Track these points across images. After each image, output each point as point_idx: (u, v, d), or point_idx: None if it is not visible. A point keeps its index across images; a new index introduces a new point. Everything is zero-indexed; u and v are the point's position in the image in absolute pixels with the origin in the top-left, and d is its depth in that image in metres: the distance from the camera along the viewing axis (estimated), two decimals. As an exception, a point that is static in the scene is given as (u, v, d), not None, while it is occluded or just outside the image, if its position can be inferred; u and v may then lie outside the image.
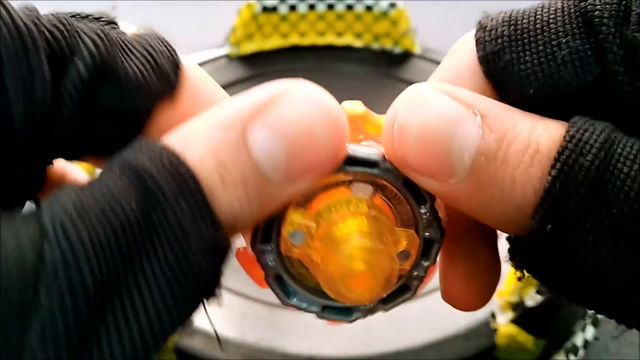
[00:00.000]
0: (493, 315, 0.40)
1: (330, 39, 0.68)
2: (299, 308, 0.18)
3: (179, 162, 0.15)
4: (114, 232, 0.14)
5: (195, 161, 0.15)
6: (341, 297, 0.16)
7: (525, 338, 0.38)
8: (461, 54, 0.19)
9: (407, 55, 0.67)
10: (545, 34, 0.18)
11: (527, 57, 0.18)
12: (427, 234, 0.17)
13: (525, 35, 0.18)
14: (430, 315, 0.43)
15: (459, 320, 0.41)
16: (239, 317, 0.42)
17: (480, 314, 0.41)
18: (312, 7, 0.67)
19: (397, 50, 0.67)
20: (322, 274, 0.16)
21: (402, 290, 0.18)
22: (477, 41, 0.19)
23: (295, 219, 0.17)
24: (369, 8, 0.67)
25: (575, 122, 0.16)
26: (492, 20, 0.19)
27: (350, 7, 0.67)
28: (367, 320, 0.50)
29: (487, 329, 0.40)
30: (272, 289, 0.17)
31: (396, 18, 0.66)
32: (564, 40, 0.18)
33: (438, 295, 0.50)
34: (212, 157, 0.15)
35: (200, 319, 0.47)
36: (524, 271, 0.17)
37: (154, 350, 0.14)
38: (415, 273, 0.17)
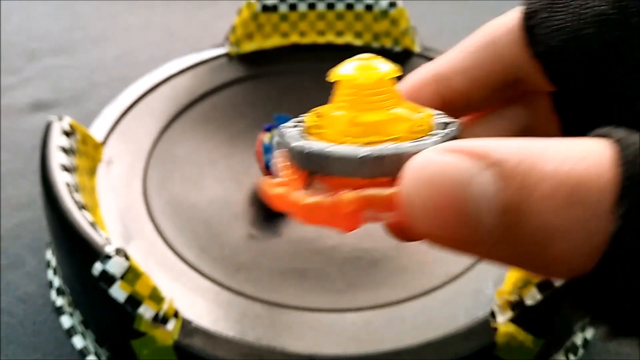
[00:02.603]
0: (493, 314, 0.40)
1: (330, 38, 0.68)
2: (302, 154, 0.18)
3: None
4: None
5: None
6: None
7: (524, 337, 0.38)
8: (515, 12, 0.23)
9: (407, 54, 0.67)
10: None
11: (559, 16, 0.21)
12: (441, 121, 0.20)
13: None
14: (430, 314, 0.43)
15: (458, 320, 0.41)
16: (239, 317, 0.42)
17: (479, 313, 0.41)
18: (312, 6, 0.67)
19: (397, 49, 0.67)
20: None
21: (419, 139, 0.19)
22: (523, 2, 0.22)
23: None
24: (368, 7, 0.67)
25: (618, 140, 0.15)
26: None
27: (350, 6, 0.67)
28: (367, 320, 0.50)
29: (486, 328, 0.40)
30: (284, 139, 0.19)
31: (396, 17, 0.66)
32: (590, 4, 0.20)
33: (438, 295, 0.50)
34: None
35: (201, 318, 0.47)
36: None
37: None
38: (435, 130, 0.19)
